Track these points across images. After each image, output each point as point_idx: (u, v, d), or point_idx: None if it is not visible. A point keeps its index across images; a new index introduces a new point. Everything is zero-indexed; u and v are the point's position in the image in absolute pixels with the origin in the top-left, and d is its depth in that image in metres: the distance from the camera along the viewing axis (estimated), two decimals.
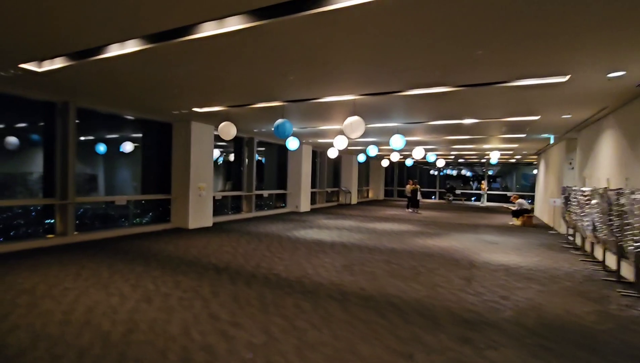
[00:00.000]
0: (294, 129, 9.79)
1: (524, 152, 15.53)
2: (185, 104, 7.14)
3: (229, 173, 13.47)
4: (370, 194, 24.80)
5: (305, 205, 14.84)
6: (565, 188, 8.58)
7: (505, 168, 30.10)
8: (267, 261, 5.93)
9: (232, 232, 8.97)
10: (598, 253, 6.61)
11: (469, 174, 35.41)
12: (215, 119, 8.69)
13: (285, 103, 6.65)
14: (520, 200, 12.57)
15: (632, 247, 4.74)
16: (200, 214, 9.61)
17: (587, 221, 6.63)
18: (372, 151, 11.66)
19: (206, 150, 9.78)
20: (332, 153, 12.68)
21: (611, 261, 5.91)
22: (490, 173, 27.78)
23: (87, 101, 7.20)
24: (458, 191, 25.73)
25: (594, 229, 6.22)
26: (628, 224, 4.77)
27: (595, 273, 5.72)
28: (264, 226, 10.22)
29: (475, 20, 3.06)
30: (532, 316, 3.76)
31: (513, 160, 21.71)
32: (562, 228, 10.25)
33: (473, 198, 25.27)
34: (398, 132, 9.63)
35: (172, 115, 8.50)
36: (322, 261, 6.06)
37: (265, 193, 13.75)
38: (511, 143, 12.33)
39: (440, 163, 17.44)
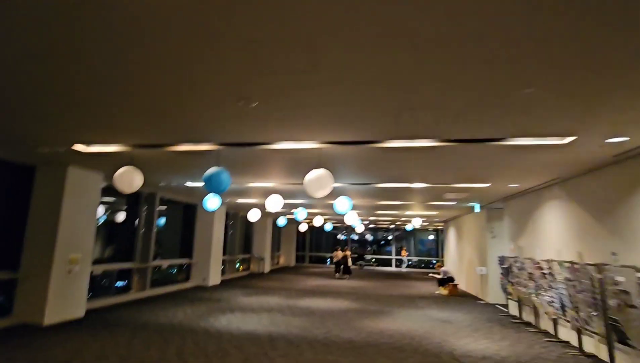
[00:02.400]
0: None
1: (436, 219, 16.17)
2: (63, 136, 4.84)
3: (112, 236, 10.37)
4: (281, 261, 22.89)
5: (214, 277, 12.24)
6: (504, 257, 8.45)
7: (401, 234, 31.85)
8: None
9: (118, 327, 6.17)
10: (564, 333, 6.15)
11: (370, 238, 36.48)
12: (106, 163, 6.34)
13: (220, 147, 4.98)
14: (444, 268, 12.46)
15: None
16: (66, 299, 6.55)
17: (548, 296, 6.23)
18: (301, 214, 10.34)
19: (87, 208, 7.07)
20: (254, 216, 10.93)
21: (590, 345, 5.40)
22: (390, 237, 28.92)
23: None
24: (368, 257, 25.73)
25: (563, 307, 5.77)
26: (632, 306, 4.26)
27: (583, 362, 5.07)
28: (166, 312, 7.54)
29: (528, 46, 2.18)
30: None
31: (408, 227, 22.77)
32: (490, 298, 10.14)
33: (369, 262, 25.45)
34: (337, 194, 8.63)
35: (37, 154, 5.88)
36: None
37: (165, 263, 10.88)
38: (433, 210, 12.47)
39: (360, 229, 17.01)
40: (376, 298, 10.30)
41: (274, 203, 7.50)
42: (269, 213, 15.27)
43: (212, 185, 4.59)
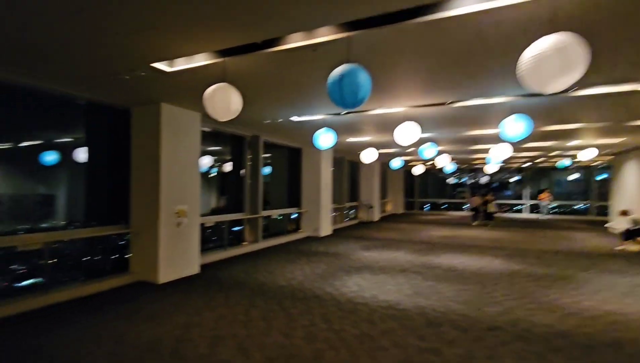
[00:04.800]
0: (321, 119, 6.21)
1: (607, 150, 12.11)
2: (138, 52, 3.49)
3: (222, 188, 9.80)
4: (388, 208, 21.21)
5: (326, 227, 11.14)
6: None
7: (527, 174, 26.57)
8: None
9: (233, 289, 5.22)
10: None
11: (482, 181, 31.60)
12: (199, 93, 5.04)
13: (350, 33, 3.05)
14: (635, 215, 9.07)
15: None
16: (178, 256, 5.86)
17: None
18: (429, 152, 8.13)
19: (188, 151, 6.08)
20: (368, 157, 9.13)
21: None
22: (512, 179, 24.74)
23: None
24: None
25: None
26: None
27: None
28: (282, 269, 6.49)
29: None
30: None
31: (566, 163, 18.11)
32: None
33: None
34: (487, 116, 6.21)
35: (127, 88, 4.83)
36: None
37: (275, 213, 10.05)
38: (619, 136, 8.84)
39: (494, 168, 14.09)
40: (536, 255, 7.82)
41: (408, 133, 5.52)
42: (383, 154, 13.35)
43: (346, 88, 2.75)
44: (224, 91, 3.39)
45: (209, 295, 4.95)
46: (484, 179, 25.63)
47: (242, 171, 8.77)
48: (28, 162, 13.05)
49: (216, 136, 8.94)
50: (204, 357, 3.15)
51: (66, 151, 11.43)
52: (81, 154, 10.11)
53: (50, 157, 10.89)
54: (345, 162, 14.03)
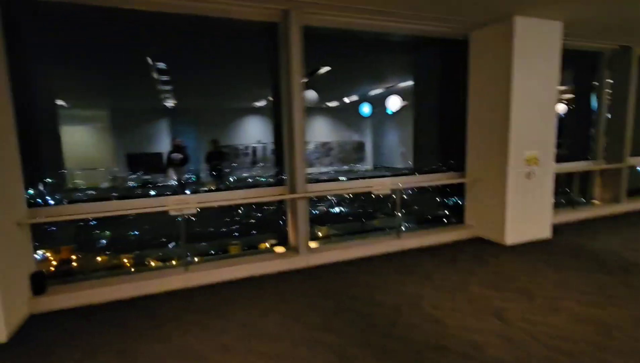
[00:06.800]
0: None
1: None
2: None
3: (561, 128, 7.62)
4: None
5: None
6: None
7: None
8: None
9: (633, 273, 3.56)
10: None
11: None
12: None
13: None
14: None
15: None
16: (527, 214, 4.69)
17: None
18: None
19: (543, 78, 4.56)
20: None
21: None
22: None
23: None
24: None
25: None
26: None
27: None
28: None
29: None
30: None
31: None
32: None
33: None
34: None
35: (472, 5, 3.84)
36: None
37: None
38: None
39: None
40: None
41: None
42: None
43: None
44: None
45: (592, 275, 3.54)
46: None
47: (593, 101, 6.30)
48: (349, 114, 15.36)
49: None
50: None
51: (377, 102, 12.39)
52: (390, 104, 10.46)
53: (366, 108, 12.18)
54: None
